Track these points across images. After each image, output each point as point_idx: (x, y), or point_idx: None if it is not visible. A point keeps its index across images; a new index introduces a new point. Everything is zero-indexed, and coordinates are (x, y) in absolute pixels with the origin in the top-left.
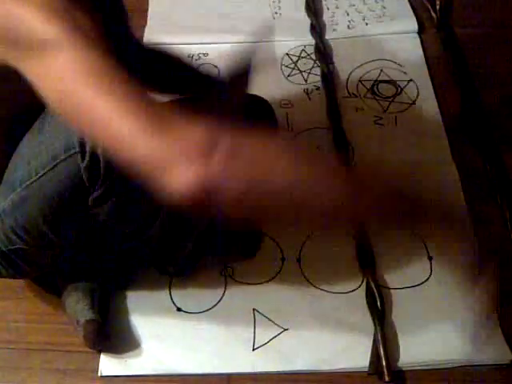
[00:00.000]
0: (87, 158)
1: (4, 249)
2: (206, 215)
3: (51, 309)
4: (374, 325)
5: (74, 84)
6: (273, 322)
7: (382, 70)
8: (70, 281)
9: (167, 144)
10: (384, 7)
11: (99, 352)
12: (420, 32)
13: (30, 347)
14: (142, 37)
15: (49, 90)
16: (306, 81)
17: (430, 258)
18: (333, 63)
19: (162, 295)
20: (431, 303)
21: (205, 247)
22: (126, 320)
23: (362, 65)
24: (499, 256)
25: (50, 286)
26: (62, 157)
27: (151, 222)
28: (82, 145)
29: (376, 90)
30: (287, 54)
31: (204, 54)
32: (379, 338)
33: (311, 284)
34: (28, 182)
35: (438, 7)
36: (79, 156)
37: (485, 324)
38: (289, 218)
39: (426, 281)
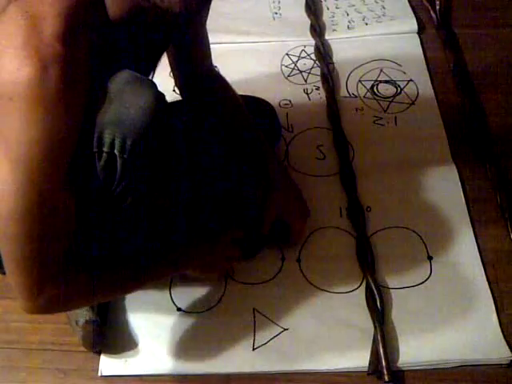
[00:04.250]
0: (104, 158)
1: None
2: None
3: None
4: (374, 325)
5: None
6: (273, 321)
7: (381, 70)
8: None
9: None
10: (384, 7)
11: (98, 353)
12: (420, 32)
13: (30, 347)
14: None
15: None
16: (305, 81)
17: (430, 258)
18: (333, 63)
19: (162, 295)
20: (431, 303)
21: None
22: (126, 320)
23: (361, 65)
24: (498, 256)
25: None
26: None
27: (162, 218)
28: (100, 145)
29: (376, 90)
30: (287, 54)
31: None
32: (379, 337)
33: (311, 284)
34: None
35: (437, 7)
36: (96, 155)
37: (484, 323)
38: None
39: (425, 280)
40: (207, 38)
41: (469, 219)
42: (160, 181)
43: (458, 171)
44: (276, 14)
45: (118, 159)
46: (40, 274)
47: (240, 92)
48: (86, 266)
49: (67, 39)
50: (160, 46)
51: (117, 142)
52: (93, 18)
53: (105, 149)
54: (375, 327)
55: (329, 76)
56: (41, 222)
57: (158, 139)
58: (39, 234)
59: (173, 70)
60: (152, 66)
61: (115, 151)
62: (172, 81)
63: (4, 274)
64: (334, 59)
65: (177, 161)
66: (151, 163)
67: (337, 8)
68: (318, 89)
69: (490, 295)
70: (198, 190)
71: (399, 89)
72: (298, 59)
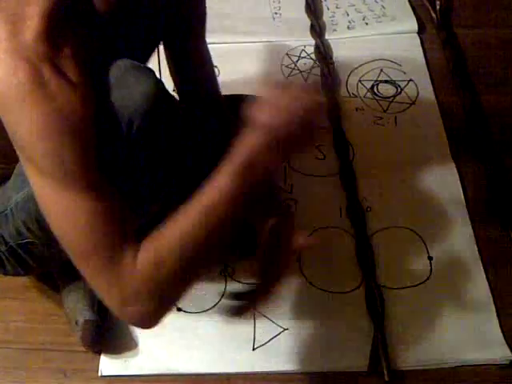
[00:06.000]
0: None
1: (13, 243)
2: None
3: (51, 309)
4: (374, 325)
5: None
6: (273, 321)
7: (381, 70)
8: (70, 279)
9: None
10: (384, 7)
11: (98, 353)
12: (420, 32)
13: (31, 347)
14: None
15: None
16: (306, 81)
17: (430, 258)
18: (333, 63)
19: None
20: (431, 303)
21: None
22: None
23: (361, 65)
24: (499, 256)
25: (51, 285)
26: None
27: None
28: None
29: (376, 90)
30: (287, 54)
31: None
32: (379, 337)
33: (311, 284)
34: None
35: (437, 7)
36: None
37: (483, 323)
38: None
39: (425, 281)
40: (208, 54)
41: (469, 219)
42: (164, 166)
43: (458, 171)
44: (276, 14)
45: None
46: (111, 262)
47: (240, 92)
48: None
49: (50, 38)
50: (151, 37)
51: (123, 126)
52: (79, 11)
53: None
54: (375, 327)
55: (329, 76)
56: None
57: (162, 124)
58: (97, 220)
59: (174, 80)
60: (146, 58)
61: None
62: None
63: (5, 274)
64: (334, 59)
65: (178, 151)
66: (156, 148)
67: (337, 8)
68: None
69: (490, 295)
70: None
71: (399, 89)
72: (298, 59)
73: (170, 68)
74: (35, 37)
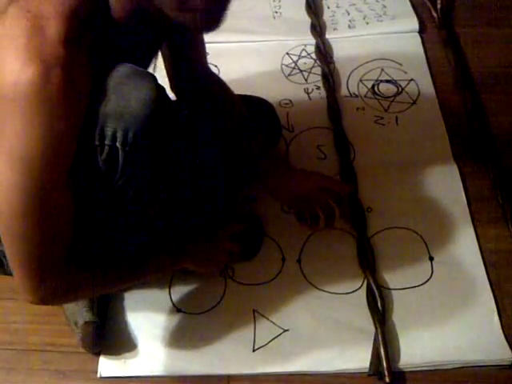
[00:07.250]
0: (106, 151)
1: None
2: None
3: (51, 309)
4: (375, 325)
5: None
6: (273, 322)
7: (382, 70)
8: None
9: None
10: (385, 6)
11: (97, 354)
12: (421, 31)
13: (30, 348)
14: None
15: None
16: (306, 80)
17: (431, 259)
18: (333, 63)
19: (162, 296)
20: (432, 304)
21: None
22: (125, 321)
23: (362, 64)
24: (499, 256)
25: None
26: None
27: (163, 213)
28: (102, 138)
29: (377, 89)
30: (287, 53)
31: None
32: (380, 338)
33: (311, 284)
34: None
35: (439, 6)
36: (98, 149)
37: (485, 324)
38: None
39: (426, 281)
40: (202, 36)
41: (470, 219)
42: (161, 174)
43: (460, 171)
44: (276, 13)
45: (120, 152)
46: (40, 268)
47: (240, 91)
48: (85, 261)
49: (69, 41)
50: (157, 42)
51: (119, 135)
52: (95, 17)
53: (106, 142)
54: (376, 328)
55: (329, 75)
56: (42, 219)
57: (159, 131)
58: (40, 231)
59: (168, 71)
60: (149, 62)
61: (117, 144)
62: None
63: (5, 274)
64: (335, 58)
65: (178, 154)
66: (153, 156)
67: (337, 7)
68: (318, 88)
69: (492, 296)
70: (197, 185)
71: (400, 88)
72: (299, 58)
73: (166, 65)
74: (56, 38)
